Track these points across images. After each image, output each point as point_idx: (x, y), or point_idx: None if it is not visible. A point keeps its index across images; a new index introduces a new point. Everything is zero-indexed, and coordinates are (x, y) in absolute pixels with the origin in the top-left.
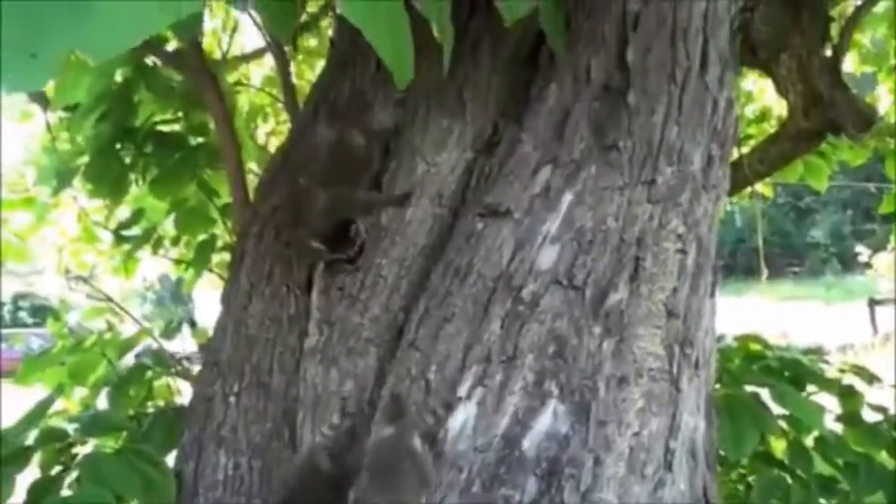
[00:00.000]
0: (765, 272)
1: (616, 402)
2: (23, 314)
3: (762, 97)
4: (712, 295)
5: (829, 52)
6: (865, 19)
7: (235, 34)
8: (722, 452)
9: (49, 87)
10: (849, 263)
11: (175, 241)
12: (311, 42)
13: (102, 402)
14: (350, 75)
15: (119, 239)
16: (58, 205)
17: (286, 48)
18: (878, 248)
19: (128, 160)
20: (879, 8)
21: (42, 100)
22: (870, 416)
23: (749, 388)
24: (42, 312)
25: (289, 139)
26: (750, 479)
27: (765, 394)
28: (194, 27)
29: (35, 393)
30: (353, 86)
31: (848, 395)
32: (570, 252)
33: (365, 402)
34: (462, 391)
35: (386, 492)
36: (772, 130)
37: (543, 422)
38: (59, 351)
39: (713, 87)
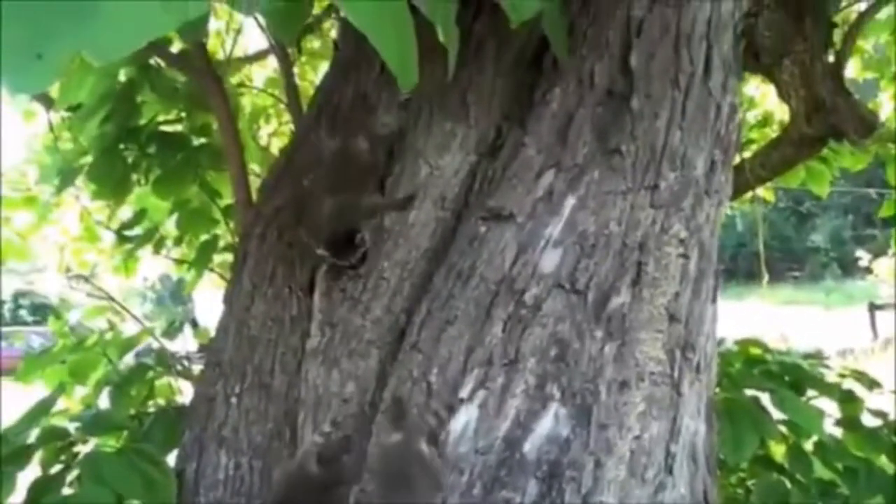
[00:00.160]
0: (765, 276)
1: (617, 406)
2: (23, 312)
3: (764, 102)
4: (714, 300)
5: (831, 58)
6: (868, 26)
7: (239, 36)
8: (722, 456)
9: (53, 87)
10: (849, 268)
11: (178, 242)
12: (315, 44)
13: (104, 402)
14: (354, 78)
15: (121, 239)
16: (59, 204)
17: (289, 50)
18: (878, 253)
19: (131, 160)
20: (882, 14)
21: (45, 99)
22: (870, 421)
23: (749, 393)
24: (42, 311)
25: (292, 141)
26: (750, 483)
27: (765, 398)
28: (199, 29)
29: (35, 391)
30: (357, 89)
31: (848, 400)
32: (572, 256)
33: (366, 404)
34: (463, 394)
35: (398, 498)
36: (774, 135)
37: (545, 425)
38: (60, 349)
39: (716, 93)
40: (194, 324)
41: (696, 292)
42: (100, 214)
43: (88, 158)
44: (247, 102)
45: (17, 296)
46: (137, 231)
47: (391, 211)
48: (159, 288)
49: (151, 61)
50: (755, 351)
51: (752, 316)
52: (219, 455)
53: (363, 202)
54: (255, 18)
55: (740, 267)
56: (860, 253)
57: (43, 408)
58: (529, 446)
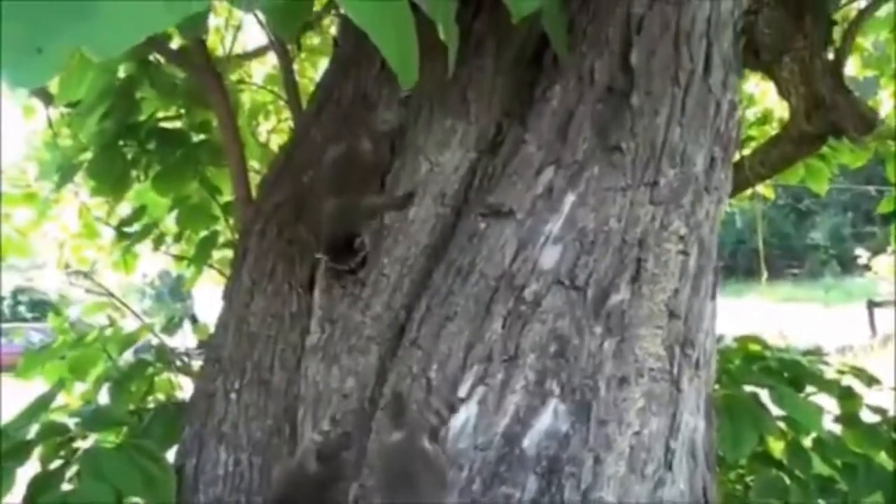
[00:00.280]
0: (764, 274)
1: (617, 402)
2: (22, 309)
3: (764, 100)
4: (713, 296)
5: (831, 56)
6: (868, 23)
7: (238, 32)
8: (721, 453)
9: (52, 84)
10: (848, 265)
11: (177, 238)
12: (314, 41)
13: (103, 398)
14: (354, 75)
15: (121, 235)
16: (59, 200)
17: (289, 47)
18: (877, 250)
19: (130, 157)
20: (882, 12)
21: (45, 95)
22: (869, 418)
23: (748, 389)
24: (41, 307)
25: (292, 138)
26: (749, 479)
27: (764, 394)
28: (200, 25)
29: (34, 387)
30: (358, 86)
31: (847, 397)
32: (572, 252)
33: (366, 400)
34: (463, 390)
35: (401, 498)
36: (773, 133)
37: (544, 421)
38: (60, 345)
39: (716, 90)
40: (194, 320)
41: (695, 289)
42: (99, 211)
43: (88, 155)
44: (246, 99)
45: (17, 292)
46: (137, 227)
47: (390, 210)
48: (158, 285)
49: (151, 57)
50: (754, 348)
51: (751, 313)
52: (218, 451)
53: (363, 203)
54: (255, 15)
55: (739, 264)
56: (859, 250)
57: (42, 403)
58: (529, 442)
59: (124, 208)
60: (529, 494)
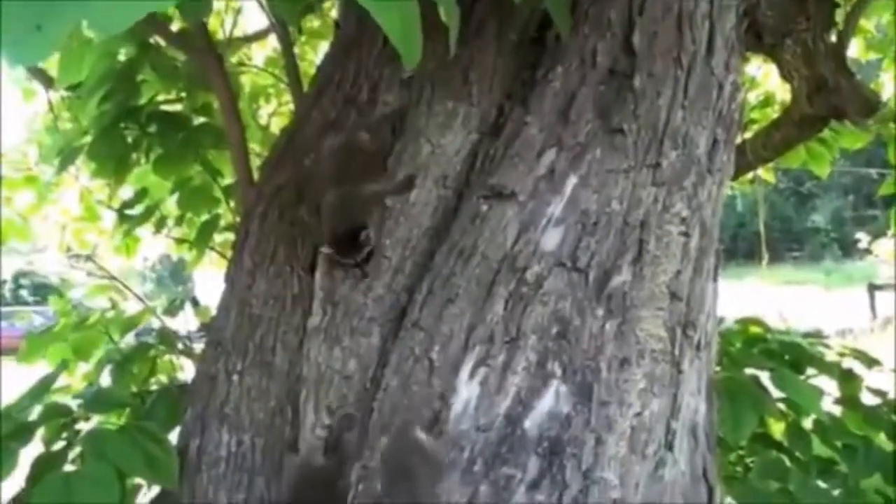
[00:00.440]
0: (765, 257)
1: (618, 383)
2: (23, 293)
3: (766, 82)
4: (714, 278)
5: (834, 38)
6: (871, 5)
7: (239, 15)
8: (721, 434)
9: (52, 67)
10: (849, 249)
11: (179, 221)
12: (315, 23)
13: (106, 380)
14: (355, 57)
15: (122, 218)
16: (59, 184)
17: (290, 29)
18: (878, 234)
19: (131, 139)
20: None
21: (45, 78)
22: (869, 400)
23: (749, 371)
24: (43, 291)
25: (293, 121)
26: (749, 460)
27: (764, 376)
28: (203, 8)
29: (36, 370)
30: (359, 67)
31: (847, 379)
32: (574, 234)
33: (368, 381)
34: (465, 371)
35: (400, 492)
36: (775, 116)
37: (546, 402)
38: (63, 328)
39: (719, 72)
40: (195, 302)
41: (697, 270)
42: (100, 194)
43: (89, 138)
44: (246, 82)
45: (18, 276)
46: (138, 210)
47: (392, 195)
48: (159, 268)
49: (152, 40)
50: (755, 330)
51: (751, 296)
52: (221, 432)
53: (363, 191)
54: None
55: (740, 247)
56: (860, 234)
57: (45, 385)
58: (530, 423)
59: (125, 191)
60: (531, 475)
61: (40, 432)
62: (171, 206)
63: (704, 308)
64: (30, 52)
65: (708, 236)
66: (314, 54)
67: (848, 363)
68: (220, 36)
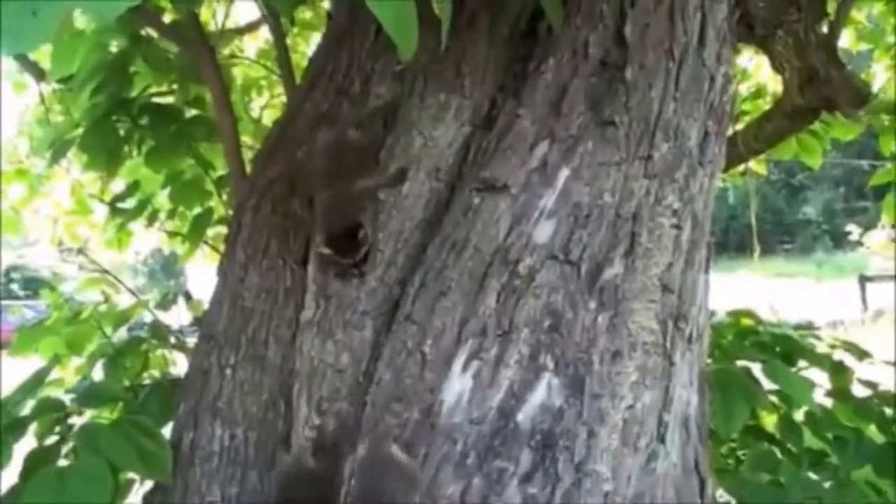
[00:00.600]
0: (757, 249)
1: (610, 376)
2: (14, 287)
3: (758, 74)
4: (706, 270)
5: (825, 29)
6: None
7: (231, 7)
8: (713, 427)
9: (43, 58)
10: (840, 241)
11: (171, 214)
12: (307, 14)
13: (98, 375)
14: (347, 48)
15: (114, 211)
16: (50, 177)
17: (282, 20)
18: (869, 225)
19: (123, 132)
20: None
21: (36, 71)
22: (860, 392)
23: (741, 364)
24: (34, 284)
25: (285, 113)
26: (741, 452)
27: (756, 368)
28: None
29: (26, 364)
30: (351, 59)
31: (838, 371)
32: (566, 227)
33: (361, 375)
34: (458, 364)
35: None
36: (767, 107)
37: (538, 395)
38: (55, 322)
39: (710, 64)
40: (188, 296)
41: (688, 263)
42: (92, 187)
43: (80, 131)
44: (238, 74)
45: (9, 270)
46: (130, 203)
47: (385, 188)
48: (151, 262)
49: (143, 32)
50: (747, 322)
51: (743, 288)
52: (214, 426)
53: (356, 187)
54: None
55: (731, 239)
56: (851, 226)
57: (38, 379)
58: (523, 416)
59: (117, 185)
60: (524, 468)
61: (33, 427)
62: (163, 199)
63: (696, 300)
64: (26, 39)
65: (699, 228)
66: (306, 46)
67: (839, 355)
68: (212, 28)
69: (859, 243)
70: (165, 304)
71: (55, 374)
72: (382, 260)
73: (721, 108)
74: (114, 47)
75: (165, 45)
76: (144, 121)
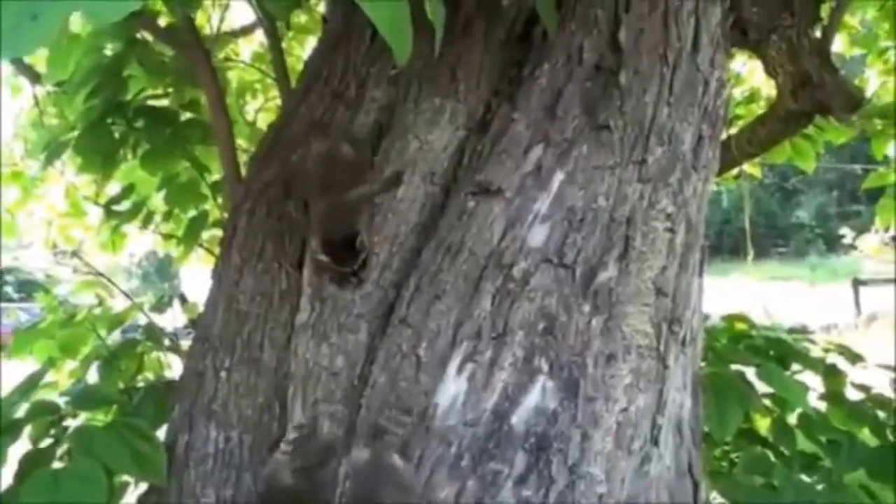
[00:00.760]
0: (750, 252)
1: (604, 379)
2: (9, 289)
3: (751, 78)
4: (700, 274)
5: (818, 34)
6: (855, 1)
7: (226, 10)
8: (707, 430)
9: (38, 61)
10: (833, 244)
11: (167, 217)
12: (302, 18)
13: (93, 377)
14: (343, 52)
15: (109, 214)
16: (45, 179)
17: (278, 24)
18: (862, 229)
19: (118, 135)
20: None
21: (31, 74)
22: (853, 395)
23: (734, 367)
24: (28, 287)
25: (280, 116)
26: (734, 456)
27: (750, 372)
28: (193, 2)
29: (22, 366)
30: (346, 63)
31: (832, 374)
32: (560, 231)
33: (356, 378)
34: (452, 367)
35: None
36: (760, 112)
37: (532, 397)
38: (50, 324)
39: (704, 69)
40: (183, 299)
41: (682, 266)
42: (86, 190)
43: (75, 133)
44: (233, 77)
45: (3, 272)
46: (125, 206)
47: (380, 193)
48: (145, 265)
49: (139, 35)
50: (741, 326)
51: (736, 292)
52: (208, 429)
53: (350, 196)
54: None
55: (725, 243)
56: (844, 229)
57: (32, 382)
58: (517, 419)
59: (112, 187)
60: (518, 470)
61: (28, 430)
62: (157, 202)
63: (690, 304)
64: (25, 42)
65: (693, 232)
66: (301, 50)
67: (832, 359)
68: (207, 31)
69: (853, 247)
70: (160, 306)
71: (50, 377)
72: (377, 263)
73: (715, 113)
74: (109, 50)
75: (161, 49)
76: (140, 124)
